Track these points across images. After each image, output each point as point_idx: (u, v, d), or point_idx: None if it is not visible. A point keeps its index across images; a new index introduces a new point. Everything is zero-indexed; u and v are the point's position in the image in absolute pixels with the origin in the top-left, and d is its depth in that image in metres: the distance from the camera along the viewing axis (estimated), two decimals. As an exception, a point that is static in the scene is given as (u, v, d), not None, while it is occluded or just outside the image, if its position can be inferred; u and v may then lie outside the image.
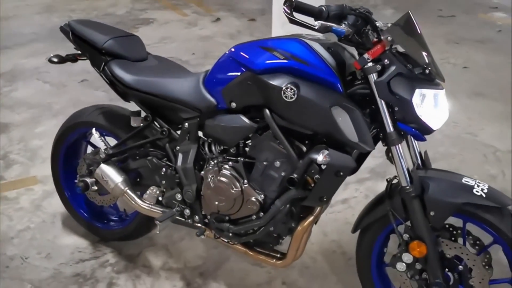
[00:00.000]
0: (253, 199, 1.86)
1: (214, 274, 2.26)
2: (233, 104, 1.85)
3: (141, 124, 2.11)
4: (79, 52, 2.25)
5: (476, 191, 1.63)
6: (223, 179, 1.89)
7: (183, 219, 2.07)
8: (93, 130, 2.15)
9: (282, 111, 1.72)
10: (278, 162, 1.81)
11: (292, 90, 1.65)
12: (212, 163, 1.94)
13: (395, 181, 1.79)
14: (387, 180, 1.83)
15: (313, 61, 1.68)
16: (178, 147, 2.03)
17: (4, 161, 3.18)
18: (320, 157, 1.65)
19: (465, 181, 1.68)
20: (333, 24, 1.55)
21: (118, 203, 2.43)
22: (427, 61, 1.60)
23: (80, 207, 2.48)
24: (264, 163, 1.84)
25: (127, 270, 2.29)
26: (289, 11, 1.55)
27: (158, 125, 2.09)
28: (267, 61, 1.72)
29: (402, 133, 1.66)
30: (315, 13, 1.57)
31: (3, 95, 4.16)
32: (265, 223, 1.87)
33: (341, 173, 1.68)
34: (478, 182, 1.68)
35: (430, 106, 1.62)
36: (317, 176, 1.75)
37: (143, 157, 2.11)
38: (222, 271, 2.28)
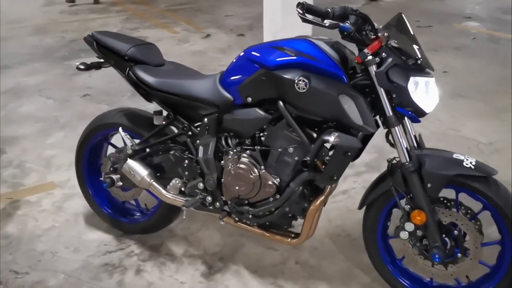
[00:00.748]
0: (270, 182, 2.10)
1: (232, 258, 2.47)
2: (249, 99, 2.09)
3: (163, 122, 2.34)
4: (102, 60, 2.47)
5: (466, 164, 1.89)
6: (242, 166, 2.12)
7: (205, 206, 2.28)
8: (120, 129, 2.36)
9: (295, 102, 1.97)
10: (291, 148, 2.05)
11: (304, 82, 1.91)
12: (232, 152, 2.17)
13: (394, 161, 2.05)
14: (387, 160, 2.08)
15: (320, 57, 1.94)
16: (198, 141, 2.26)
17: (20, 170, 3.35)
18: (331, 138, 1.89)
19: (455, 156, 1.94)
20: (340, 22, 1.82)
21: (139, 198, 2.62)
22: (418, 53, 1.88)
23: (104, 204, 2.67)
24: (279, 150, 2.08)
25: (152, 258, 2.48)
26: (301, 12, 1.80)
27: (179, 122, 2.31)
28: (279, 58, 1.97)
29: (399, 116, 1.92)
30: (322, 13, 1.83)
31: (10, 110, 4.34)
32: (281, 203, 2.10)
33: (349, 153, 1.93)
34: (467, 157, 1.94)
35: (423, 91, 1.88)
36: (327, 157, 1.99)
37: (165, 152, 2.33)
38: (239, 255, 2.49)
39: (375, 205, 2.09)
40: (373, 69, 1.89)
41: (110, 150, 2.64)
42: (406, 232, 2.00)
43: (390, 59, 1.87)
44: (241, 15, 7.77)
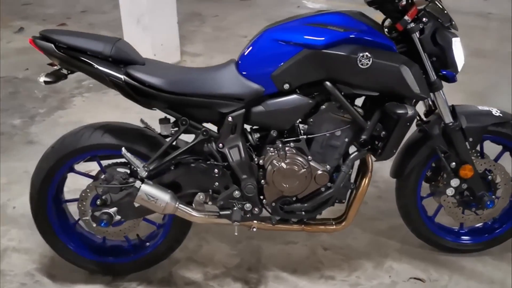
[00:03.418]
0: (320, 172, 1.94)
1: (261, 265, 2.23)
2: (286, 86, 1.87)
3: (172, 131, 1.95)
4: (58, 66, 1.89)
5: (495, 113, 2.06)
6: (291, 160, 1.91)
7: (245, 215, 1.99)
8: (123, 149, 1.86)
9: (353, 79, 1.84)
10: (339, 131, 1.93)
11: (368, 57, 1.79)
12: (271, 149, 1.93)
13: (424, 124, 2.09)
14: (417, 125, 2.11)
15: (367, 29, 1.85)
16: (221, 144, 1.94)
17: None
18: (410, 111, 1.83)
19: (481, 108, 2.09)
20: None
21: (129, 232, 2.12)
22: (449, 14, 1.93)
23: (85, 251, 2.11)
24: (327, 134, 1.93)
25: (173, 294, 2.08)
26: None
27: (193, 128, 1.94)
28: (329, 36, 1.81)
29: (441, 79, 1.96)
30: None
31: None
32: (337, 190, 1.97)
33: (409, 123, 1.90)
34: (490, 107, 2.10)
35: (459, 52, 1.95)
36: (383, 132, 1.93)
37: (183, 165, 1.94)
38: (265, 259, 2.27)
39: (414, 171, 2.12)
40: (416, 35, 1.87)
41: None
42: (452, 188, 2.08)
43: (430, 24, 1.88)
44: (41, 2, 6.77)
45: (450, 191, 2.09)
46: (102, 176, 1.98)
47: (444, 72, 1.93)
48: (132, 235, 2.18)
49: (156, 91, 1.85)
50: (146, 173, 1.88)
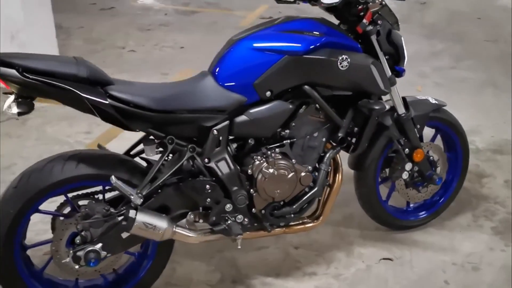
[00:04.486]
0: (304, 173, 2.01)
1: (243, 275, 2.21)
2: (268, 93, 1.90)
3: (156, 151, 1.83)
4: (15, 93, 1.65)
5: (431, 101, 2.33)
6: (280, 166, 1.94)
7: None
8: (113, 177, 1.68)
9: (334, 81, 1.94)
10: (316, 132, 2.01)
11: (347, 60, 1.89)
12: (259, 157, 1.93)
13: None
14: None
15: (338, 33, 1.96)
16: (207, 159, 1.88)
17: None
18: (386, 106, 1.98)
19: (419, 98, 2.35)
20: None
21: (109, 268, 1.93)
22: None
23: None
24: (307, 137, 2.00)
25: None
26: None
27: (178, 145, 1.85)
28: (308, 41, 1.88)
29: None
30: None
31: None
32: (320, 188, 2.05)
33: (378, 117, 2.06)
34: (425, 96, 2.37)
35: (405, 49, 2.16)
36: (356, 128, 2.06)
37: (171, 185, 1.84)
38: (245, 269, 2.25)
39: (373, 160, 2.29)
40: (375, 37, 2.04)
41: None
42: (406, 172, 2.31)
43: (385, 25, 2.06)
44: None
45: (405, 175, 2.32)
46: (78, 211, 1.79)
47: (398, 69, 2.13)
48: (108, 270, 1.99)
49: (142, 111, 1.73)
50: (142, 200, 1.74)
